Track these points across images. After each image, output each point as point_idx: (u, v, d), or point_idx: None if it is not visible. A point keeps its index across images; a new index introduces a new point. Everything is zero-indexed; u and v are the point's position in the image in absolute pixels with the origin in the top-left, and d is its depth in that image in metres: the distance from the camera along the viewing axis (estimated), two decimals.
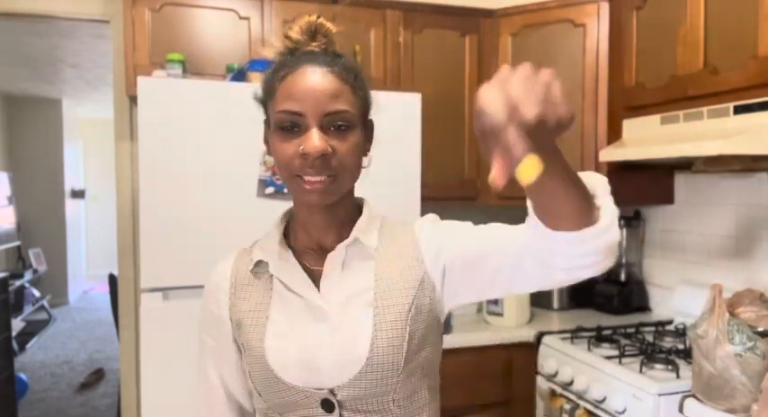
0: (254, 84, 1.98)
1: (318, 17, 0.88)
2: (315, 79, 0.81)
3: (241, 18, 2.20)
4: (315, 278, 0.90)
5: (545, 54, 2.38)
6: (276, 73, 0.85)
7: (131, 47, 2.12)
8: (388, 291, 0.87)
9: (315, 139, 0.79)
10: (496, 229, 0.85)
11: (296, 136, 0.81)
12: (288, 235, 0.94)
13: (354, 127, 0.84)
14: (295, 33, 0.87)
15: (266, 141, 0.90)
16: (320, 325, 0.86)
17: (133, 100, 2.32)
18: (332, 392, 0.84)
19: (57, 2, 2.38)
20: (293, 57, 0.86)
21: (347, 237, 0.90)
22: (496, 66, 2.47)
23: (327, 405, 0.84)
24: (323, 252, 0.91)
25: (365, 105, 0.89)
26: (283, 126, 0.82)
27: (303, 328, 0.87)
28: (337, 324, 0.85)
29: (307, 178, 0.81)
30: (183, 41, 2.16)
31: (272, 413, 0.89)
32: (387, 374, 0.83)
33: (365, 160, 0.91)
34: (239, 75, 2.04)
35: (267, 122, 0.89)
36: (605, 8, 2.26)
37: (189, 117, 1.82)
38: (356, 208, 0.95)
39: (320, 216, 0.89)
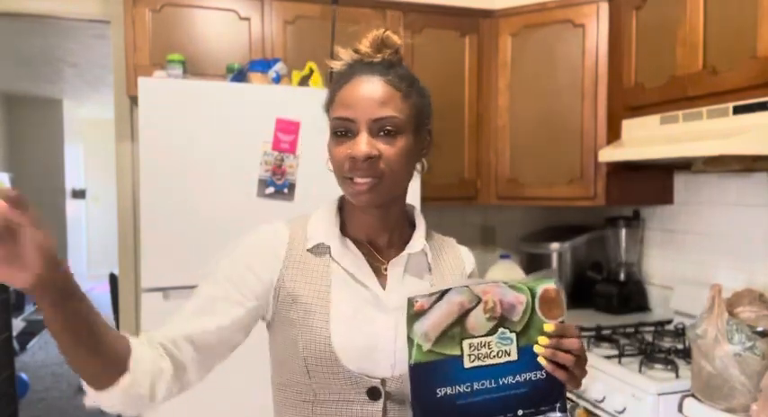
0: (254, 85, 2.00)
1: (385, 31, 0.95)
2: (366, 88, 0.89)
3: (241, 18, 2.21)
4: (374, 272, 0.95)
5: (544, 54, 2.38)
6: (336, 83, 0.93)
7: (132, 47, 2.12)
8: None
9: (362, 144, 0.87)
10: None
11: (348, 140, 0.89)
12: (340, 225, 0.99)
13: (404, 132, 0.90)
14: (364, 47, 0.94)
15: (329, 147, 0.96)
16: (384, 318, 0.92)
17: (134, 100, 2.32)
18: (383, 382, 0.91)
19: (57, 2, 2.38)
20: (351, 68, 0.93)
21: (397, 239, 0.98)
22: (496, 66, 2.48)
23: (373, 394, 0.90)
24: (375, 248, 0.98)
25: (419, 112, 0.93)
26: (337, 131, 0.90)
27: (368, 317, 0.92)
28: (400, 321, 0.88)
29: (355, 179, 0.88)
30: (184, 42, 2.16)
31: (306, 393, 0.92)
32: None
33: (419, 165, 0.98)
34: (239, 76, 2.04)
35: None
36: (605, 8, 2.26)
37: (189, 117, 1.83)
38: (407, 213, 1.02)
39: (372, 217, 0.96)
